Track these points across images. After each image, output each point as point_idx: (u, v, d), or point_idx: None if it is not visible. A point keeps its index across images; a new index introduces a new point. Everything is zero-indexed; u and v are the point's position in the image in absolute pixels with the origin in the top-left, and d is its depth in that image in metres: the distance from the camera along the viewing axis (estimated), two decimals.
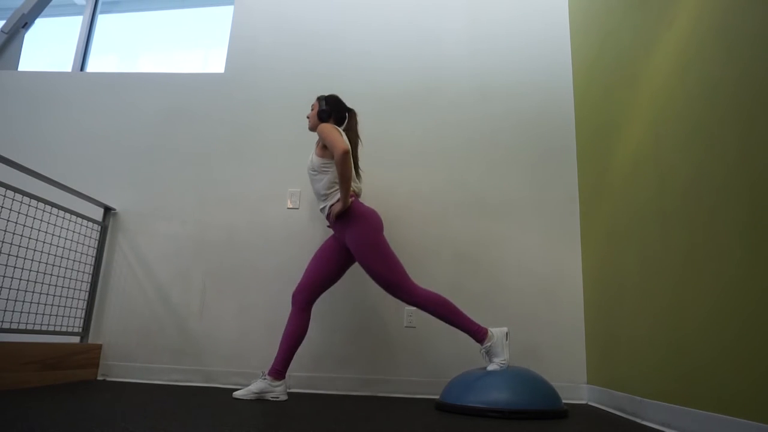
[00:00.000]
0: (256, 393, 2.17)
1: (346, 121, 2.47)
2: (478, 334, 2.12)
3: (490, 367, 2.07)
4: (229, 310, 2.78)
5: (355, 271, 2.73)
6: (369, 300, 2.73)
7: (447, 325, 2.63)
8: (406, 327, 2.68)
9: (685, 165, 1.64)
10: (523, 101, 2.95)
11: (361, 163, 2.89)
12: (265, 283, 2.79)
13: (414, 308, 2.68)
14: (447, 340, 2.64)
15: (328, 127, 2.23)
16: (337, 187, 2.25)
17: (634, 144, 2.05)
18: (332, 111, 2.42)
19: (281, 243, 2.83)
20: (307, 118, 2.53)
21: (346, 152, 2.12)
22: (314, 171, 2.30)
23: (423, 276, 2.72)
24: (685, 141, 1.64)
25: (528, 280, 2.69)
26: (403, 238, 2.79)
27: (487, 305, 2.66)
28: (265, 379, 2.20)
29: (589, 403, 2.44)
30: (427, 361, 2.62)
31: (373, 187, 2.87)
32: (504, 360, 2.08)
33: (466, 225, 2.79)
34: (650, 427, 1.71)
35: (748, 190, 1.30)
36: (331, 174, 2.27)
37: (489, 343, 2.10)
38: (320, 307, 2.73)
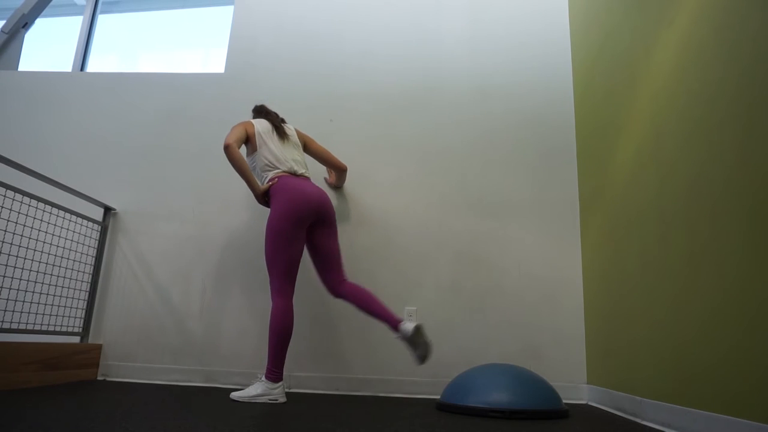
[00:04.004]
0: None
1: (264, 113, 2.53)
2: (269, 373, 2.11)
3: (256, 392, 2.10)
4: (229, 310, 2.78)
5: (354, 271, 2.73)
6: None
7: (447, 325, 2.63)
8: None
9: (685, 165, 1.64)
10: (523, 101, 2.95)
11: (360, 163, 2.89)
12: (265, 283, 2.77)
13: (414, 308, 2.68)
14: (447, 340, 2.64)
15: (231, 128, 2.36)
16: (269, 173, 2.33)
17: (634, 144, 2.05)
18: (253, 113, 2.57)
19: None
20: None
21: (225, 146, 2.22)
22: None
23: (424, 275, 2.72)
24: (686, 141, 1.64)
25: (528, 280, 2.69)
26: (403, 239, 2.79)
27: (487, 305, 2.66)
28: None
29: (589, 403, 2.44)
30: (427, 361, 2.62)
31: (373, 187, 2.87)
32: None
33: (466, 225, 2.79)
34: (650, 427, 1.71)
35: (750, 191, 1.30)
36: (257, 167, 2.36)
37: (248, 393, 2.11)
38: (320, 307, 2.73)
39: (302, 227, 2.24)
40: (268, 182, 2.30)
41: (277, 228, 2.18)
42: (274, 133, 2.42)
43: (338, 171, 2.74)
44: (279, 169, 2.32)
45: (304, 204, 2.23)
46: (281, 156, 2.36)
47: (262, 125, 2.41)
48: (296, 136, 2.53)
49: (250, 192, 2.89)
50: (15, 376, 2.18)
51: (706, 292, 1.49)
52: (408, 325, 2.15)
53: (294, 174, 2.35)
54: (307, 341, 2.69)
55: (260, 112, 2.54)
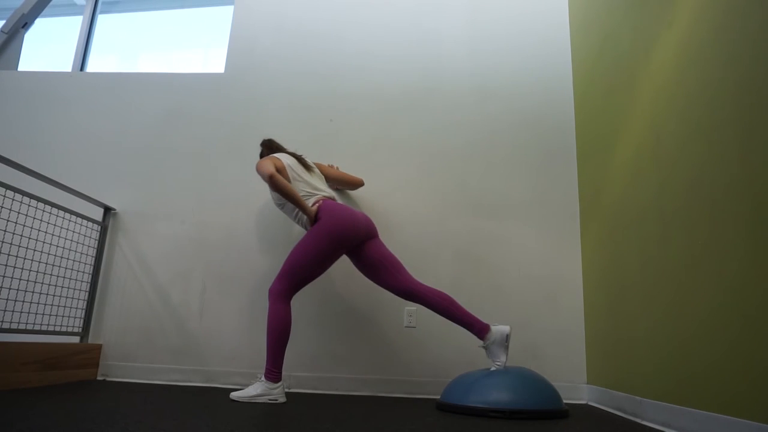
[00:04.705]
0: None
1: (275, 148, 2.55)
2: (268, 374, 2.11)
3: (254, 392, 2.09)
4: (229, 310, 2.78)
5: (354, 271, 2.73)
6: (369, 300, 2.73)
7: (447, 326, 2.63)
8: (406, 327, 2.68)
9: (685, 165, 1.64)
10: (523, 101, 2.95)
11: (360, 163, 2.89)
12: (265, 282, 2.78)
13: (414, 308, 2.68)
14: (447, 340, 2.64)
15: (258, 162, 2.32)
16: (310, 200, 2.31)
17: (634, 144, 2.05)
18: (263, 148, 2.57)
19: (281, 243, 2.83)
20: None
21: (270, 176, 2.19)
22: (279, 203, 2.41)
23: (424, 276, 2.72)
24: (686, 141, 1.64)
25: (528, 280, 2.69)
26: (403, 239, 2.79)
27: (487, 305, 2.66)
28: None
29: (589, 403, 2.44)
30: (427, 361, 2.62)
31: (373, 188, 2.87)
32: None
33: (466, 225, 2.79)
34: (650, 427, 1.71)
35: (750, 191, 1.31)
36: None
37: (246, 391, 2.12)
38: (320, 307, 2.73)
39: (341, 248, 2.24)
40: (314, 205, 2.28)
41: (317, 243, 2.18)
42: (300, 165, 2.43)
43: (356, 186, 2.76)
44: (318, 195, 2.33)
45: (352, 228, 2.23)
46: (315, 185, 2.38)
47: (288, 159, 2.40)
48: (317, 168, 2.57)
49: (249, 193, 2.91)
50: (15, 376, 2.18)
51: (705, 292, 1.49)
52: (504, 328, 2.09)
53: (333, 199, 2.37)
54: (307, 341, 2.69)
55: (271, 147, 2.55)
